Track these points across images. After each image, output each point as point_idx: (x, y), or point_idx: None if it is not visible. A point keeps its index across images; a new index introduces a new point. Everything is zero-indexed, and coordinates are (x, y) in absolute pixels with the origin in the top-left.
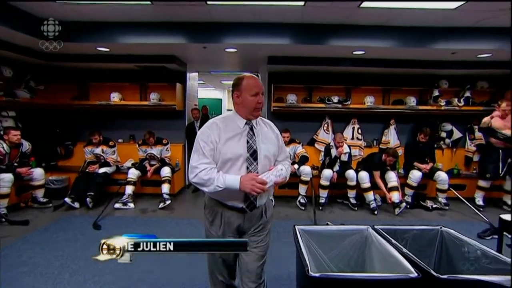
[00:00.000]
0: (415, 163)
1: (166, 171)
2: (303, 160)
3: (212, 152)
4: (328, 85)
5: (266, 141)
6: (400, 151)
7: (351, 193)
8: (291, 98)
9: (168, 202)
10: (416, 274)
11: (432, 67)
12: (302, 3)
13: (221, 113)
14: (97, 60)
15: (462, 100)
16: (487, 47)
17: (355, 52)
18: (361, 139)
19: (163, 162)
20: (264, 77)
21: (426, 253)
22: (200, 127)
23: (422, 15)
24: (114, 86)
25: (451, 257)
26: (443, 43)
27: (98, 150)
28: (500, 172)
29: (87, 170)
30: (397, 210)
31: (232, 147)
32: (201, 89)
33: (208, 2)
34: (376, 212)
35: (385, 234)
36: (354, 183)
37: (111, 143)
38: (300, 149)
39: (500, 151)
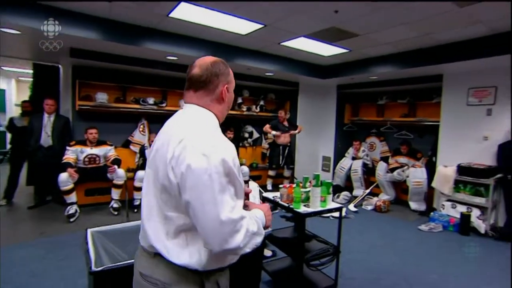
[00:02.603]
0: None
1: None
2: (116, 163)
3: None
4: (144, 86)
5: None
6: None
7: None
8: (101, 97)
9: None
10: None
11: (236, 78)
12: None
13: (4, 109)
14: None
15: (258, 107)
16: (269, 68)
17: (168, 57)
18: None
19: None
20: (67, 71)
21: None
22: None
23: (223, 34)
24: None
25: None
26: (241, 60)
27: None
28: (281, 163)
29: None
30: None
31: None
32: None
33: None
34: None
35: None
36: None
37: None
38: (111, 152)
39: (281, 146)
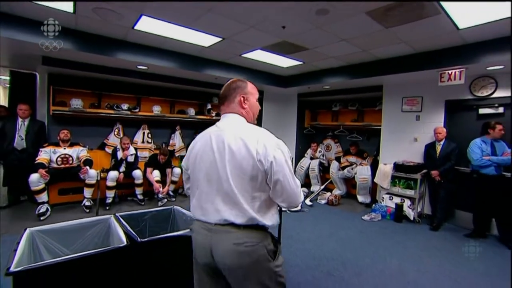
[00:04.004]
0: None
1: None
2: (88, 163)
3: None
4: (118, 93)
5: None
6: (185, 151)
7: (138, 190)
8: (76, 103)
9: None
10: (125, 243)
11: (206, 87)
12: (71, 10)
13: None
14: None
15: None
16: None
17: (139, 67)
18: (150, 143)
19: None
20: (43, 78)
21: (164, 227)
22: None
23: (188, 46)
24: None
25: (179, 226)
26: (208, 70)
27: None
28: None
29: None
30: (159, 203)
31: None
32: None
33: None
34: (160, 203)
35: (123, 220)
36: (140, 181)
37: None
38: (83, 153)
39: None
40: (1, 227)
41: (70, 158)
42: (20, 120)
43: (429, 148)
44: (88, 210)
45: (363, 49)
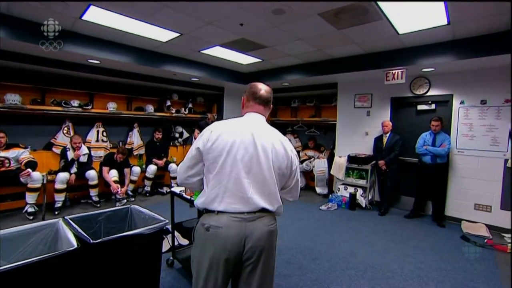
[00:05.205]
0: (153, 160)
1: None
2: (30, 165)
3: None
4: (67, 89)
5: None
6: (143, 150)
7: (93, 192)
8: (12, 98)
9: None
10: (75, 246)
11: (165, 83)
12: None
13: None
14: None
15: (187, 109)
16: (194, 74)
17: (90, 60)
18: (106, 141)
19: None
20: None
21: (121, 227)
22: None
23: (145, 41)
24: None
25: (137, 225)
26: (168, 66)
27: None
28: None
29: None
30: (118, 204)
31: None
32: None
33: None
34: (118, 204)
35: (73, 222)
36: (95, 182)
37: None
38: (24, 155)
39: None
40: None
41: (7, 161)
42: None
43: (377, 140)
44: (31, 217)
45: (318, 48)
